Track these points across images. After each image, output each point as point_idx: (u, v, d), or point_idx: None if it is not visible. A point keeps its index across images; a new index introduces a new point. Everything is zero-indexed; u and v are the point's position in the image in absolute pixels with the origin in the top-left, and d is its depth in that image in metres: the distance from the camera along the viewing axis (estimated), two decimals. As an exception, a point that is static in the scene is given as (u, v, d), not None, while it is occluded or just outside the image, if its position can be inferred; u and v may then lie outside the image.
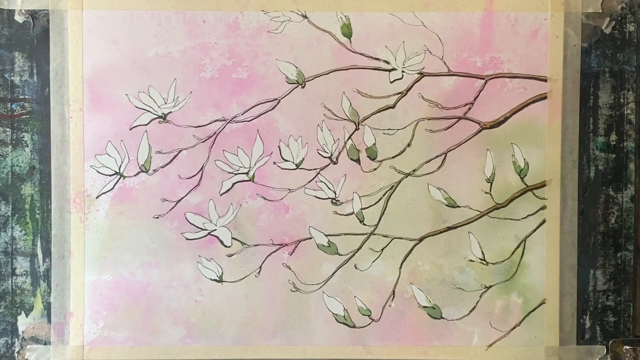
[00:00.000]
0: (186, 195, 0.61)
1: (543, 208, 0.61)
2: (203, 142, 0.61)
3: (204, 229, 0.61)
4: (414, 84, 0.61)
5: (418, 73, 0.61)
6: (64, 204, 0.61)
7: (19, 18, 0.60)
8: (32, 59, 0.61)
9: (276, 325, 0.61)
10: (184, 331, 0.62)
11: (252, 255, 0.61)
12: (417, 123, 0.61)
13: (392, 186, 0.61)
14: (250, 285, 0.61)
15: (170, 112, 0.61)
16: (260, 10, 0.61)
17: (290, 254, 0.61)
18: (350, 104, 0.61)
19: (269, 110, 0.61)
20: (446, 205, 0.61)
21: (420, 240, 0.62)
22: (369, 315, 0.62)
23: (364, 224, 0.62)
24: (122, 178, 0.61)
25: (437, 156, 0.61)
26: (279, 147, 0.61)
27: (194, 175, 0.61)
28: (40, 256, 0.61)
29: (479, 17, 0.61)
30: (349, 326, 0.62)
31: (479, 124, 0.61)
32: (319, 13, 0.61)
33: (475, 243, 0.62)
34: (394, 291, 0.62)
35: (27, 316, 0.62)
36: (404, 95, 0.61)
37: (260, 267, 0.61)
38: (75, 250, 0.61)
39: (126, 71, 0.61)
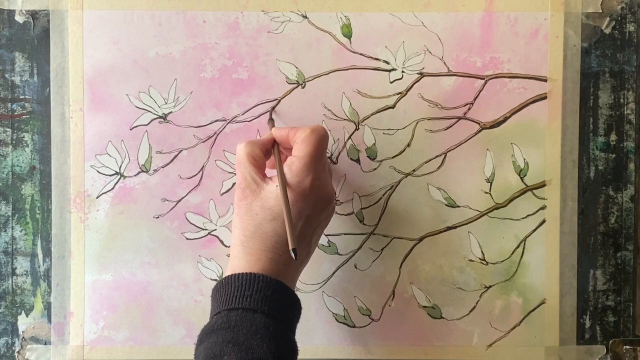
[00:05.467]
0: (186, 195, 0.61)
1: (543, 208, 0.61)
2: (203, 142, 0.61)
3: (204, 229, 0.61)
4: (413, 84, 0.61)
5: (418, 73, 0.61)
6: (64, 203, 0.61)
7: (19, 18, 0.61)
8: (32, 59, 0.61)
9: (276, 325, 0.61)
10: (184, 331, 0.62)
11: (252, 255, 0.61)
12: (417, 123, 0.61)
13: (392, 186, 0.61)
14: (250, 285, 0.61)
15: (171, 112, 0.61)
16: (260, 10, 0.61)
17: (290, 254, 0.61)
18: (350, 104, 0.61)
19: (270, 111, 0.61)
20: (446, 205, 0.61)
21: (420, 240, 0.62)
22: (369, 315, 0.62)
23: (363, 224, 0.62)
24: (122, 178, 0.61)
25: (437, 156, 0.61)
26: (279, 147, 0.61)
27: (195, 175, 0.61)
28: (40, 256, 0.61)
29: (479, 17, 0.61)
30: (349, 326, 0.62)
31: (479, 124, 0.61)
32: (319, 13, 0.61)
33: (475, 243, 0.62)
34: (393, 291, 0.62)
35: (27, 316, 0.62)
36: (404, 95, 0.61)
37: (260, 267, 0.61)
38: (75, 250, 0.61)
39: (126, 71, 0.61)
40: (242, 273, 0.49)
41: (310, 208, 0.52)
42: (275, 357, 0.46)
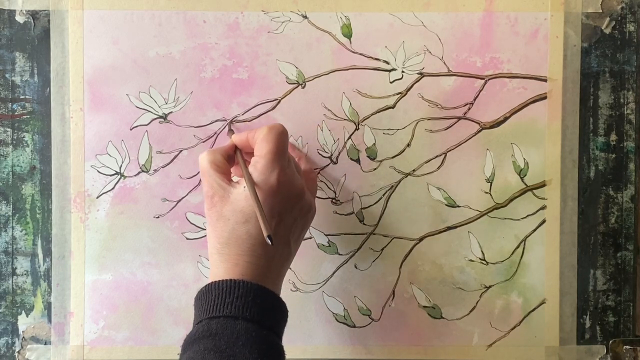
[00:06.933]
0: (187, 195, 0.61)
1: (543, 208, 0.61)
2: (204, 142, 0.61)
3: (204, 229, 0.61)
4: (413, 84, 0.61)
5: (418, 73, 0.61)
6: (65, 203, 0.61)
7: (19, 18, 0.61)
8: (32, 59, 0.61)
9: (276, 325, 0.61)
10: (184, 331, 0.62)
11: (252, 255, 0.61)
12: (417, 123, 0.61)
13: (392, 186, 0.61)
14: (250, 285, 0.61)
15: (171, 112, 0.61)
16: (260, 10, 0.61)
17: (290, 254, 0.61)
18: (350, 104, 0.61)
19: (270, 111, 0.61)
20: (446, 205, 0.62)
21: (420, 240, 0.62)
22: (369, 315, 0.62)
23: (364, 224, 0.62)
24: (122, 178, 0.61)
25: (437, 156, 0.61)
26: (279, 147, 0.61)
27: (195, 175, 0.61)
28: (40, 256, 0.61)
29: (479, 17, 0.61)
30: (349, 326, 0.62)
31: (479, 124, 0.61)
32: (319, 13, 0.61)
33: (475, 243, 0.62)
34: (393, 291, 0.62)
35: (27, 316, 0.62)
36: (404, 96, 0.61)
37: (261, 267, 0.61)
38: (75, 250, 0.61)
39: (127, 71, 0.61)
40: (222, 280, 0.49)
41: (281, 204, 0.51)
42: None
